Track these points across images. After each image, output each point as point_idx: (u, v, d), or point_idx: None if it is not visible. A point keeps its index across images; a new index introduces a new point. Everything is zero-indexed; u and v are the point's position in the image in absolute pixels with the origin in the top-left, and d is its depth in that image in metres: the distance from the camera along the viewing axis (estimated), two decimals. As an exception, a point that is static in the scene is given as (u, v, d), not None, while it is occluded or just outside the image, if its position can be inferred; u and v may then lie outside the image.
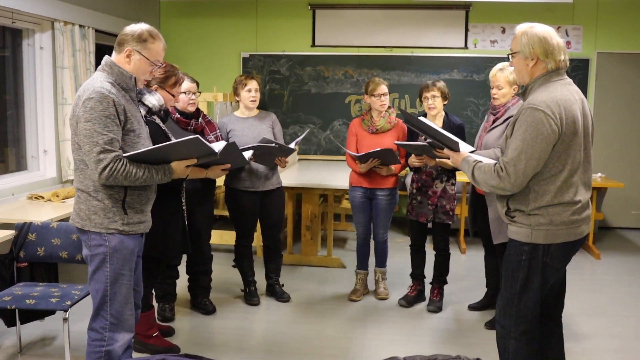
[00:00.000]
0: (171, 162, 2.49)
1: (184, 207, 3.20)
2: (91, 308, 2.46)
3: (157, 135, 2.83)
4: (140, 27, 2.45)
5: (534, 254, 2.36)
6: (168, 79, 3.08)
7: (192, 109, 3.62)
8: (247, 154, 3.55)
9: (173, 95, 3.15)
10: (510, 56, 2.46)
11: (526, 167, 2.27)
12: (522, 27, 2.40)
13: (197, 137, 2.40)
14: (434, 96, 3.87)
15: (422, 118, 2.91)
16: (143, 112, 2.86)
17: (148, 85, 3.01)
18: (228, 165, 2.77)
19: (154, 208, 2.61)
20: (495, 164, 2.37)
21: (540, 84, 2.35)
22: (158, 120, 3.06)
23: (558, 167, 2.30)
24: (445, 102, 3.94)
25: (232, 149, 2.98)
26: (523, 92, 2.42)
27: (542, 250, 2.35)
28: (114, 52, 2.47)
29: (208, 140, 3.40)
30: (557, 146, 2.28)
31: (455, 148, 2.65)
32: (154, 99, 3.00)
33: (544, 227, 2.33)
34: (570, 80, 2.40)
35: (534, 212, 2.33)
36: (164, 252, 3.13)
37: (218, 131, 3.79)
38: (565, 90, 2.32)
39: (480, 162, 2.46)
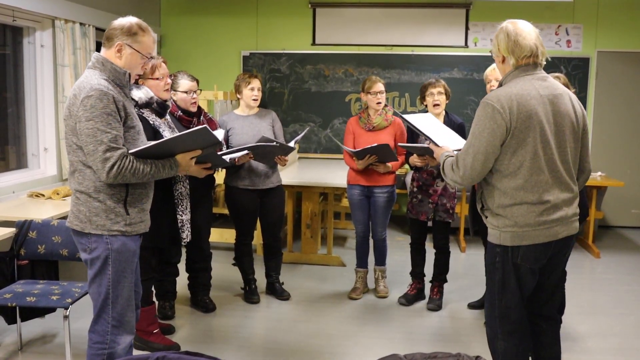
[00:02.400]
0: (176, 155, 2.44)
1: (176, 200, 3.21)
2: (92, 306, 2.44)
3: (144, 129, 2.82)
4: (129, 20, 2.38)
5: (505, 256, 2.34)
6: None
7: (194, 109, 3.63)
8: (241, 153, 3.56)
9: (158, 79, 3.14)
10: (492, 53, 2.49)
11: (474, 161, 2.27)
12: (499, 26, 2.40)
13: (206, 127, 2.39)
14: (440, 92, 3.87)
15: (406, 116, 2.95)
16: None
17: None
18: (209, 165, 2.74)
19: None
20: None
21: (510, 79, 2.34)
22: (147, 114, 3.07)
23: (515, 164, 2.26)
24: (447, 101, 3.94)
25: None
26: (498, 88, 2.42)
27: (512, 252, 2.32)
28: (102, 48, 2.39)
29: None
30: (509, 141, 2.24)
31: (435, 143, 2.69)
32: (140, 92, 3.00)
33: (509, 228, 2.30)
34: (543, 75, 2.34)
35: (498, 211, 2.32)
36: (152, 241, 3.11)
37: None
38: (527, 85, 2.28)
39: (452, 157, 2.47)
